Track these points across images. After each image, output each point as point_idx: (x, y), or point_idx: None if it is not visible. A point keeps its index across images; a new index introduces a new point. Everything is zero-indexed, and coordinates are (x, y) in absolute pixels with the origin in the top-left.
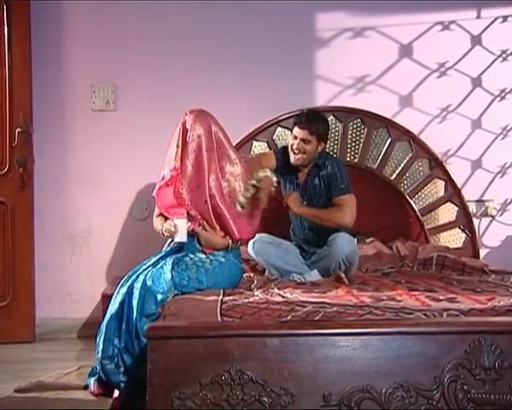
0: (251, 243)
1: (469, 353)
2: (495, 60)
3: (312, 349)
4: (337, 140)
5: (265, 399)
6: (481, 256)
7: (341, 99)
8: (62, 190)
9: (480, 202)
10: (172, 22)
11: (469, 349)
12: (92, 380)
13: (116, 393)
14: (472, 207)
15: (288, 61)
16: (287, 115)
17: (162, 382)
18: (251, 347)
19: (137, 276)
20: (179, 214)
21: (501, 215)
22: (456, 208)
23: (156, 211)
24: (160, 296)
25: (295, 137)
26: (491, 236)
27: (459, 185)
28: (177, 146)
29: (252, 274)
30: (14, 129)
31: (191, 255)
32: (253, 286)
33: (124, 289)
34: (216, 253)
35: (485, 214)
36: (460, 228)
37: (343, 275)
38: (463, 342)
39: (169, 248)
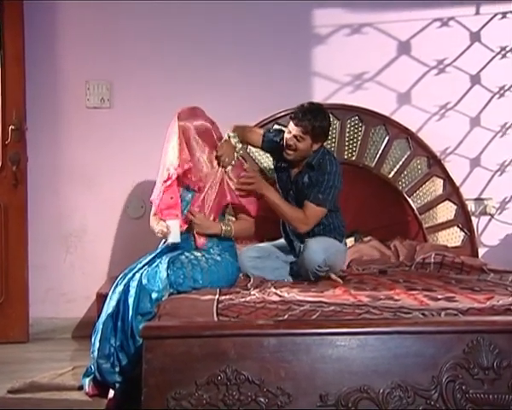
0: (239, 258)
1: (468, 352)
2: (494, 57)
3: (309, 349)
4: (335, 138)
5: (262, 399)
6: (480, 255)
7: (339, 96)
8: (56, 189)
9: (478, 200)
10: (168, 19)
11: (468, 349)
12: (87, 380)
13: (111, 393)
14: (470, 206)
15: (285, 58)
16: (284, 113)
17: (158, 382)
18: (247, 346)
19: (133, 274)
20: (172, 215)
21: (500, 214)
22: (455, 207)
23: (153, 209)
24: (155, 295)
25: (289, 132)
26: (490, 234)
27: (458, 184)
28: (178, 145)
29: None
30: (8, 126)
31: (187, 254)
32: (249, 285)
33: (120, 288)
34: (211, 251)
35: (484, 213)
36: (458, 227)
37: (334, 276)
38: (462, 341)
39: (164, 246)
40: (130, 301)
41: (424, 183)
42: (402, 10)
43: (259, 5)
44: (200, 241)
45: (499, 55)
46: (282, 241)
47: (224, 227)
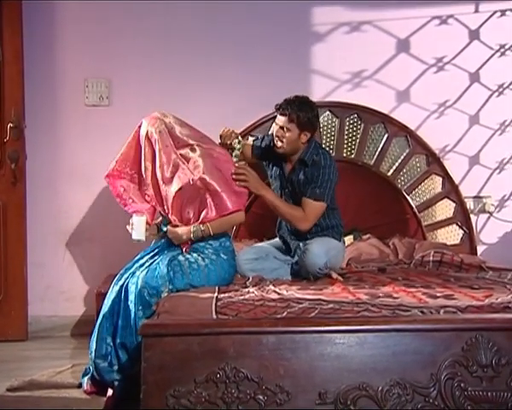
0: (236, 261)
1: (466, 350)
2: (493, 54)
3: (308, 347)
4: (333, 136)
5: (261, 397)
6: (479, 253)
7: (338, 94)
8: (55, 187)
9: (477, 198)
10: (167, 17)
11: (466, 346)
12: (85, 379)
13: (110, 392)
14: (469, 204)
15: (284, 56)
16: None
17: (156, 380)
18: (246, 344)
19: (131, 274)
20: (139, 212)
21: (498, 212)
22: (454, 205)
23: None
24: (155, 291)
25: (276, 124)
26: (489, 232)
27: (456, 182)
28: (128, 147)
29: None
30: (6, 124)
31: (184, 254)
32: (248, 283)
33: (117, 288)
34: (206, 251)
35: (483, 211)
36: (457, 225)
37: (335, 275)
38: (460, 339)
39: (158, 243)
40: (131, 297)
41: (423, 181)
42: (401, 8)
43: (258, 3)
44: (184, 246)
45: (498, 53)
46: (278, 240)
47: (193, 229)
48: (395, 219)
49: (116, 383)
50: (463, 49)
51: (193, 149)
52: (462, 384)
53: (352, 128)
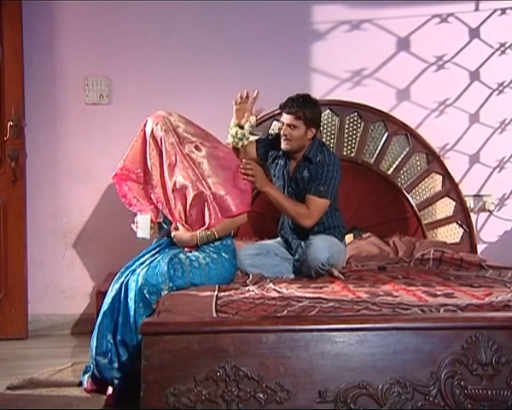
0: (237, 257)
1: (466, 348)
2: (493, 53)
3: (308, 345)
4: (334, 134)
5: (261, 395)
6: (479, 251)
7: (338, 93)
8: (55, 185)
9: (477, 196)
10: (167, 15)
11: (466, 345)
12: (86, 377)
13: (110, 390)
14: (469, 202)
15: (284, 54)
16: None
17: (156, 378)
18: (246, 343)
19: (132, 271)
20: (143, 210)
21: (499, 210)
22: (454, 203)
23: None
24: (155, 289)
25: (282, 123)
26: (489, 231)
27: (457, 180)
28: (135, 146)
29: None
30: (6, 123)
31: (185, 252)
32: (248, 282)
33: (117, 285)
34: (207, 250)
35: (483, 209)
36: (457, 223)
37: (336, 273)
38: (460, 337)
39: (160, 241)
40: (132, 295)
41: (423, 179)
42: (401, 6)
43: (258, 2)
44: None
45: (498, 52)
46: (280, 239)
47: (199, 235)
48: (395, 217)
49: (116, 381)
50: (464, 48)
51: (198, 148)
52: (462, 383)
53: (352, 126)
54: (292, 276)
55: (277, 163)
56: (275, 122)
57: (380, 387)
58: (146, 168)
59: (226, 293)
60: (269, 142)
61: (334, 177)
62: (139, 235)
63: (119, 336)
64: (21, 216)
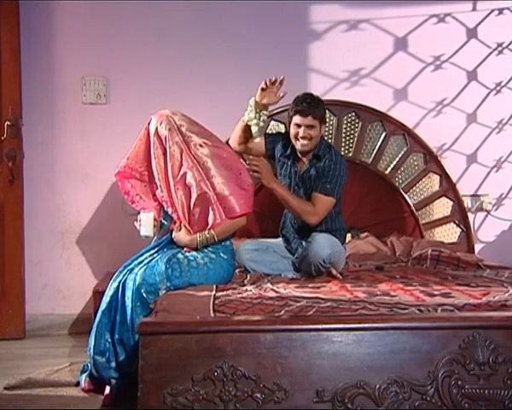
0: (236, 251)
1: (463, 348)
2: (490, 53)
3: (306, 345)
4: (331, 134)
5: (258, 395)
6: (476, 251)
7: (336, 92)
8: (52, 185)
9: (475, 196)
10: (164, 15)
11: (464, 344)
12: (83, 376)
13: (107, 390)
14: (467, 202)
15: (281, 54)
16: (280, 109)
17: (154, 378)
18: (244, 342)
19: (130, 271)
20: (146, 208)
21: (496, 210)
22: (451, 203)
23: None
24: (152, 288)
25: (299, 126)
26: (487, 231)
27: (454, 180)
28: (139, 144)
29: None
30: (3, 122)
31: (183, 252)
32: (246, 281)
33: (115, 284)
34: (205, 250)
35: (481, 209)
36: (455, 223)
37: (335, 272)
38: (458, 337)
39: (159, 241)
40: (129, 294)
41: (421, 179)
42: (399, 6)
43: (256, 2)
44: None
45: (496, 52)
46: (279, 240)
47: (199, 239)
48: (393, 217)
49: (113, 380)
50: (461, 48)
51: (202, 148)
52: (459, 382)
53: (349, 126)
54: (290, 274)
55: (284, 162)
56: (272, 122)
57: (377, 387)
58: (150, 166)
59: (224, 293)
60: (278, 139)
61: (341, 176)
62: (142, 233)
63: (116, 335)
64: (19, 216)
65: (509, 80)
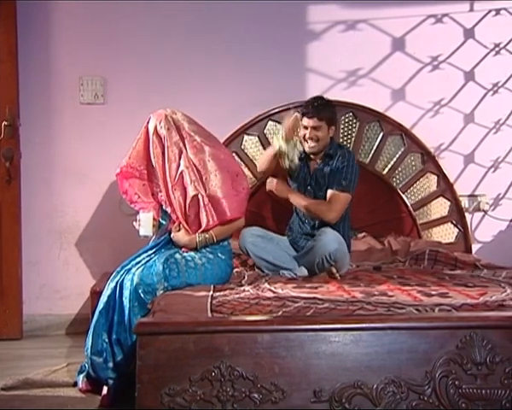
0: (241, 235)
1: (461, 348)
2: (488, 53)
3: (303, 345)
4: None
5: (256, 395)
6: (473, 251)
7: (333, 93)
8: (50, 185)
9: (472, 196)
10: (162, 15)
11: (461, 344)
12: (81, 376)
13: (105, 390)
14: (464, 202)
15: (279, 54)
16: (278, 109)
17: (151, 378)
18: (241, 343)
19: (127, 271)
20: (145, 208)
21: (493, 210)
22: (449, 203)
23: None
24: (150, 288)
25: (306, 128)
26: (484, 231)
27: (451, 180)
28: (134, 146)
29: (242, 269)
30: (1, 122)
31: (181, 252)
32: (243, 282)
33: (112, 284)
34: (203, 250)
35: (478, 209)
36: (452, 223)
37: (335, 270)
38: (455, 337)
39: (157, 241)
40: (126, 293)
41: (418, 179)
42: (396, 7)
43: (254, 2)
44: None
45: (493, 52)
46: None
47: (198, 239)
48: (390, 217)
49: (111, 381)
50: (458, 48)
51: (200, 148)
52: (456, 382)
53: (347, 126)
54: (288, 271)
55: (295, 169)
56: (270, 122)
57: (374, 386)
58: (149, 165)
59: (221, 293)
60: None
61: (355, 173)
62: (141, 233)
63: (114, 335)
64: (16, 216)
65: (507, 81)
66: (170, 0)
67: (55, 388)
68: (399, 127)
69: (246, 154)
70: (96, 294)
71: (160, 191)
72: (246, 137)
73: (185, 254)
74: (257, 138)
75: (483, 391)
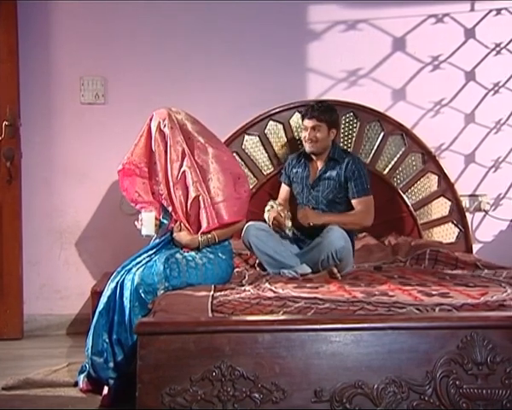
0: (245, 228)
1: (461, 348)
2: (488, 53)
3: (304, 345)
4: None
5: (256, 395)
6: (474, 251)
7: (334, 93)
8: (50, 185)
9: (473, 196)
10: (163, 15)
11: (461, 344)
12: (82, 376)
13: (105, 390)
14: (465, 202)
15: (279, 54)
16: (279, 109)
17: (152, 378)
18: (242, 343)
19: (128, 271)
20: (146, 207)
21: (494, 210)
22: (450, 203)
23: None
24: (151, 288)
25: (306, 129)
26: (484, 231)
27: (452, 180)
28: (136, 143)
29: (243, 269)
30: (1, 122)
31: (182, 252)
32: (244, 281)
33: (113, 284)
34: (204, 250)
35: (479, 209)
36: (453, 223)
37: (336, 270)
38: (456, 337)
39: (157, 241)
40: (127, 294)
41: (419, 179)
42: (397, 7)
43: (254, 2)
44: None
45: (494, 52)
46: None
47: (201, 239)
48: (391, 217)
49: (111, 381)
50: (459, 48)
51: (204, 149)
52: (457, 382)
53: (347, 126)
54: (288, 271)
55: (297, 171)
56: (271, 122)
57: (375, 386)
58: (149, 163)
59: (222, 293)
60: (288, 167)
61: (366, 174)
62: (144, 232)
63: (114, 335)
64: (17, 216)
65: (507, 80)
66: (170, 0)
67: (56, 388)
68: (400, 127)
69: (246, 154)
70: (96, 294)
71: (161, 190)
72: (246, 137)
73: (186, 253)
74: (257, 138)
75: (484, 391)
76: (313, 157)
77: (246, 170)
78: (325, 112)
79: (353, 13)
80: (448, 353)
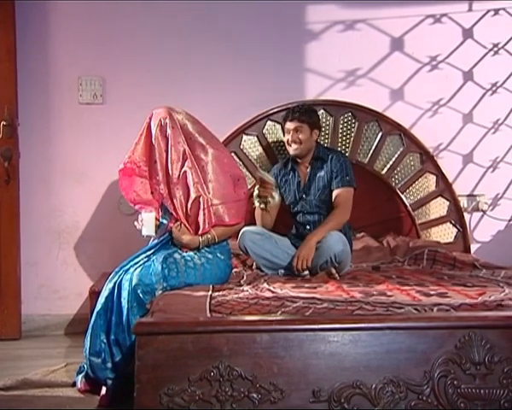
0: (240, 234)
1: (459, 348)
2: (486, 53)
3: (302, 345)
4: (328, 134)
5: (255, 395)
6: (472, 251)
7: (332, 93)
8: (49, 185)
9: (471, 196)
10: (161, 15)
11: (459, 344)
12: (80, 377)
13: (103, 390)
14: (463, 202)
15: (277, 54)
16: (277, 109)
17: (150, 378)
18: (240, 343)
19: (126, 271)
20: (145, 207)
21: (492, 210)
22: (448, 203)
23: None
24: (149, 288)
25: (288, 132)
26: (483, 230)
27: (450, 180)
28: (137, 142)
29: (241, 269)
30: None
31: (180, 252)
32: (242, 281)
33: (110, 285)
34: (202, 250)
35: (477, 209)
36: (451, 223)
37: (334, 271)
38: (453, 336)
39: (156, 242)
40: (125, 294)
41: (417, 179)
42: (395, 7)
43: (253, 2)
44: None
45: (492, 52)
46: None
47: (201, 239)
48: (389, 217)
49: (109, 381)
50: (457, 48)
51: (204, 149)
52: (455, 382)
53: (346, 126)
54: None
55: (287, 179)
56: (269, 122)
57: (373, 386)
58: (150, 163)
59: (220, 293)
60: (275, 173)
61: (351, 167)
62: (144, 233)
63: (112, 335)
64: (15, 216)
65: (505, 81)
66: (169, 0)
67: (54, 388)
68: (398, 127)
69: (245, 154)
70: (94, 294)
71: (162, 189)
72: (245, 137)
73: (184, 253)
74: (256, 138)
75: (482, 391)
76: (299, 161)
77: (244, 170)
78: (305, 113)
79: (351, 13)
80: (446, 353)
